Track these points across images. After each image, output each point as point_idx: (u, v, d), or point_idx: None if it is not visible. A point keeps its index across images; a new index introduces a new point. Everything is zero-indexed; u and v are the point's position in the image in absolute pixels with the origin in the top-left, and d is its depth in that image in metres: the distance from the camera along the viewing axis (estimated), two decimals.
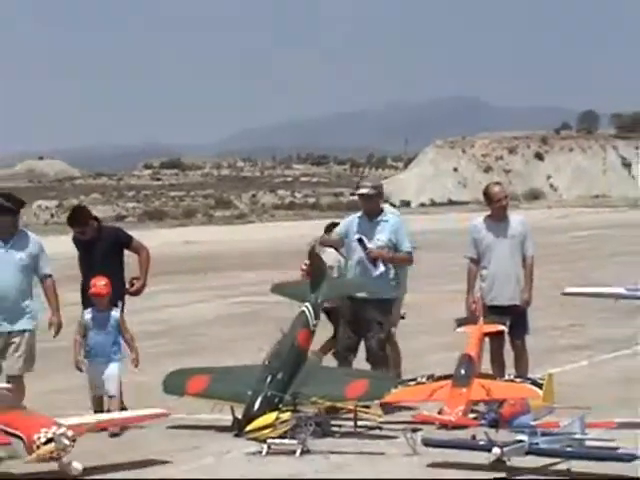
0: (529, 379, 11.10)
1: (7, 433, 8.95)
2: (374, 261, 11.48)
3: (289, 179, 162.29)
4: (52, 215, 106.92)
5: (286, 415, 9.91)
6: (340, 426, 10.60)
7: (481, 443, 9.04)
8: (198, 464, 9.49)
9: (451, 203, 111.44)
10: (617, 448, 8.93)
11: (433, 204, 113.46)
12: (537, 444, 8.90)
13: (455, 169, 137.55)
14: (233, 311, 23.10)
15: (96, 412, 10.85)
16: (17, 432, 8.88)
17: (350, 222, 12.03)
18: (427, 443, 9.41)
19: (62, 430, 8.80)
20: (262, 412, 10.22)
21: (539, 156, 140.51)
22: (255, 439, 9.81)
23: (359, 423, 10.52)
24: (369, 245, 11.57)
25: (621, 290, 11.02)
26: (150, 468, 9.39)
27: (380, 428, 10.50)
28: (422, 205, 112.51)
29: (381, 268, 11.51)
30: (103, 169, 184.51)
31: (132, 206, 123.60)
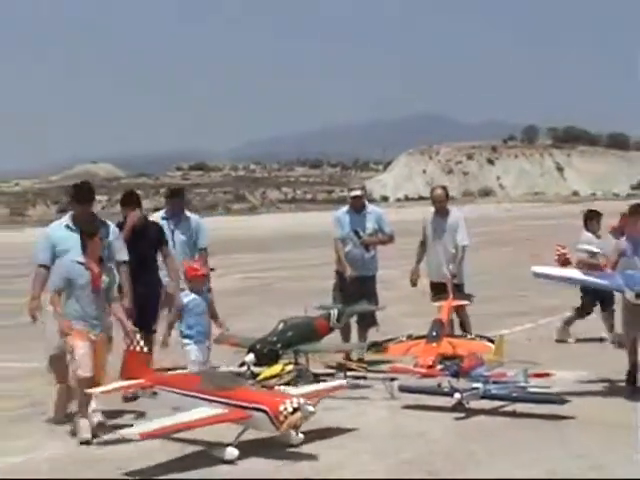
0: (485, 337, 11.08)
1: (245, 408, 7.73)
2: (367, 247, 11.83)
3: (291, 179, 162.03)
4: (103, 208, 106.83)
5: (289, 367, 9.91)
6: (333, 376, 10.59)
7: (445, 390, 9.07)
8: None
9: (421, 199, 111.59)
10: (552, 394, 8.94)
11: (407, 199, 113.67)
12: (490, 390, 8.92)
13: (424, 171, 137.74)
14: (246, 284, 23.09)
15: None
16: (260, 406, 7.68)
17: (342, 218, 12.01)
18: (403, 389, 9.43)
19: (303, 400, 7.72)
20: (262, 349, 10.20)
21: (490, 161, 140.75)
22: (265, 386, 9.79)
23: (348, 374, 10.51)
24: (362, 234, 11.85)
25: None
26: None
27: (365, 378, 10.49)
28: (398, 200, 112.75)
29: (372, 252, 11.90)
30: (143, 171, 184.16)
31: None
